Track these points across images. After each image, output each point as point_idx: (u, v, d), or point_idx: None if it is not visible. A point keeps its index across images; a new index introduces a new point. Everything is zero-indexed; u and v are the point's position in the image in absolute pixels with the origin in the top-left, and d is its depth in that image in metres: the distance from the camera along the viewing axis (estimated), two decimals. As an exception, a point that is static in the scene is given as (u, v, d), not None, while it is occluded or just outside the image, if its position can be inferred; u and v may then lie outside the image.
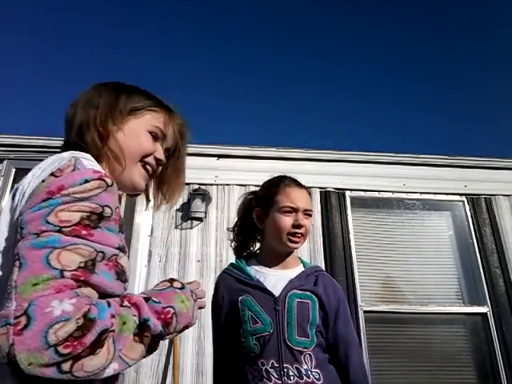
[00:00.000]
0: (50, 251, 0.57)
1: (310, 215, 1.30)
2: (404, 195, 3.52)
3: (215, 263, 3.10)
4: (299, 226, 1.25)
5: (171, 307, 0.68)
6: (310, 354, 1.17)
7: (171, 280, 0.75)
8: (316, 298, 1.23)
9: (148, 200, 0.97)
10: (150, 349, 0.65)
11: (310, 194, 1.36)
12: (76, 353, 0.52)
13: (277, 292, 1.22)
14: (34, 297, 0.53)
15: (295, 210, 1.27)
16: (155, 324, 0.64)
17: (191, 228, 3.22)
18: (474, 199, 3.54)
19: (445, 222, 3.56)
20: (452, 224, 3.54)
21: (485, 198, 3.55)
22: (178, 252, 3.13)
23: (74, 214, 0.61)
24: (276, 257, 1.32)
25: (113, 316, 0.58)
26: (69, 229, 0.60)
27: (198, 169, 3.40)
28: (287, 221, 1.25)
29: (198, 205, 3.19)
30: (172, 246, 3.14)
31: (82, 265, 0.58)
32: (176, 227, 3.21)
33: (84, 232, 0.60)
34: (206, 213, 3.22)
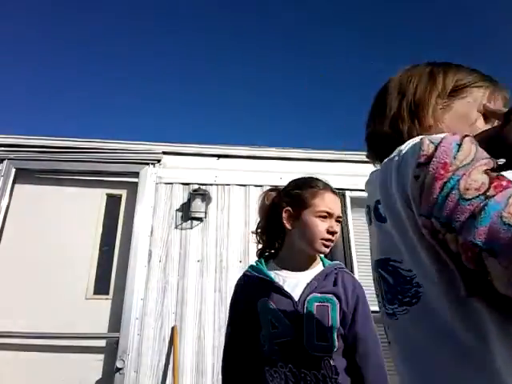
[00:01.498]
0: None
1: (340, 222, 1.28)
2: (404, 195, 3.51)
3: (215, 263, 3.10)
4: (333, 233, 1.23)
5: None
6: (329, 360, 1.14)
7: None
8: (336, 300, 1.20)
9: None
10: None
11: (340, 200, 1.34)
12: None
13: (296, 296, 1.19)
14: None
15: (330, 216, 1.24)
16: None
17: (191, 228, 3.22)
18: (474, 199, 3.53)
19: (445, 222, 3.56)
20: (452, 224, 3.53)
21: (485, 198, 3.54)
22: (177, 252, 3.13)
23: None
24: (299, 258, 1.28)
25: None
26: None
27: (197, 169, 3.41)
28: (322, 226, 1.22)
29: (198, 205, 3.19)
30: (172, 246, 3.14)
31: None
32: (176, 227, 3.21)
33: None
34: (205, 213, 3.22)
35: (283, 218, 1.28)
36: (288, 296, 1.19)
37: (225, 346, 1.30)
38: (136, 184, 3.29)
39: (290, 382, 1.12)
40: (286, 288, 1.21)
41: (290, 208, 1.28)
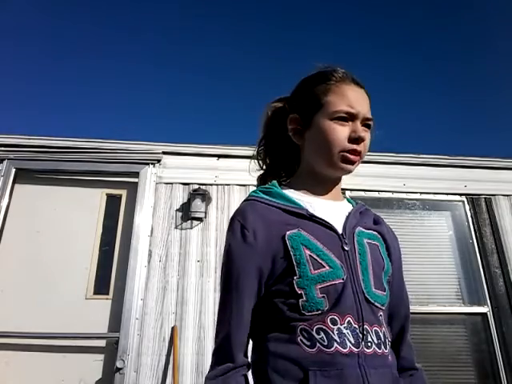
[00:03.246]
0: None
1: (370, 127, 0.89)
2: (404, 195, 3.52)
3: (215, 263, 3.10)
4: (358, 140, 0.85)
5: None
6: (382, 316, 0.82)
7: None
8: (382, 241, 0.91)
9: None
10: None
11: (369, 97, 0.92)
12: None
13: (337, 227, 0.84)
14: None
15: (353, 118, 0.86)
16: None
17: (191, 228, 3.22)
18: (473, 199, 3.54)
19: (445, 222, 3.56)
20: (452, 224, 3.53)
21: (485, 198, 3.55)
22: (177, 252, 3.13)
23: None
24: (319, 184, 0.91)
25: None
26: None
27: (198, 169, 3.41)
28: (341, 131, 0.85)
29: (197, 205, 3.19)
30: (172, 246, 3.14)
31: None
32: (176, 227, 3.21)
33: None
34: (205, 213, 3.22)
35: (289, 130, 0.94)
36: (329, 226, 0.83)
37: (224, 314, 0.82)
38: (136, 184, 3.29)
39: (348, 343, 0.74)
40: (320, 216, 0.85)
41: (296, 114, 0.92)
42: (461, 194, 3.55)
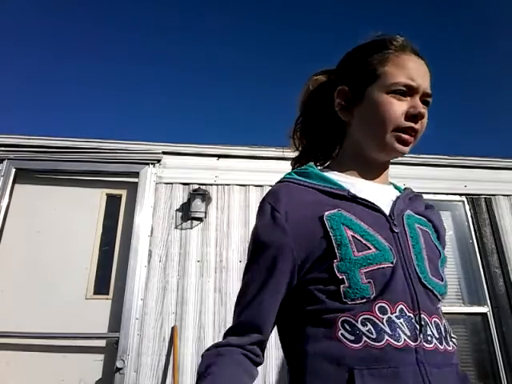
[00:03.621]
0: None
1: (428, 105, 0.78)
2: (404, 195, 3.51)
3: (215, 263, 3.10)
4: (417, 117, 0.74)
5: None
6: (440, 308, 0.72)
7: None
8: (433, 229, 0.81)
9: None
10: None
11: (430, 70, 0.80)
12: None
13: (384, 209, 0.74)
14: None
15: (412, 92, 0.75)
16: None
17: (191, 228, 3.22)
18: (473, 199, 3.54)
19: (445, 222, 3.55)
20: (452, 224, 3.53)
21: (485, 198, 3.55)
22: (177, 252, 3.13)
23: None
24: (365, 166, 0.81)
25: None
26: None
27: (198, 169, 3.41)
28: (398, 106, 0.74)
29: (197, 205, 3.19)
30: (172, 246, 3.14)
31: None
32: (176, 227, 3.21)
33: None
34: (205, 213, 3.22)
35: (336, 104, 0.82)
36: (375, 208, 0.73)
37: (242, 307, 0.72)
38: (136, 184, 3.29)
39: (403, 336, 0.62)
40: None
41: (345, 87, 0.81)
42: (461, 194, 3.56)
